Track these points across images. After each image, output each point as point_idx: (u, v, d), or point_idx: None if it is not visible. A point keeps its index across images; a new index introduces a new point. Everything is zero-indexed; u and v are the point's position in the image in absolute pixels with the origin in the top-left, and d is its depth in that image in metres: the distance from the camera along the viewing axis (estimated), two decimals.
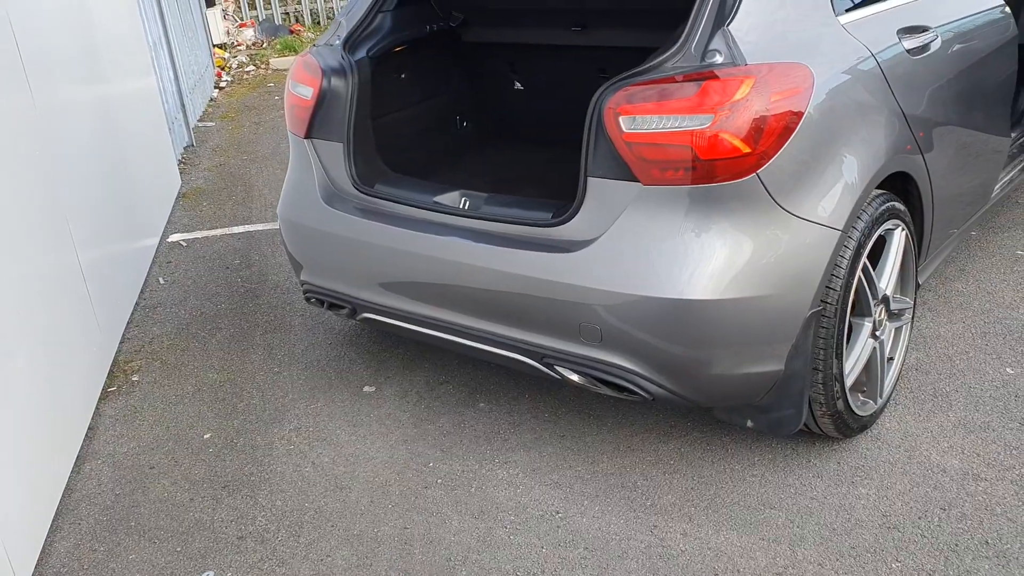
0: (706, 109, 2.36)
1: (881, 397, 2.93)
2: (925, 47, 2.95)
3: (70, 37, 4.05)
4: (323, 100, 3.12)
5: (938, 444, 2.84)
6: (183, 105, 6.92)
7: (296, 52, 10.15)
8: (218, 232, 5.24)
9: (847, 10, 2.77)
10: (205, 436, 3.26)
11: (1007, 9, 3.53)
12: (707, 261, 2.41)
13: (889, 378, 3.00)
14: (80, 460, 3.18)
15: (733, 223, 2.41)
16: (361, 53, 3.21)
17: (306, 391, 3.48)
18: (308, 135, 3.19)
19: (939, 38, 3.02)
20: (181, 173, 6.29)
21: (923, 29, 2.97)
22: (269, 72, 9.78)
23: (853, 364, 2.76)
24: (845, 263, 2.57)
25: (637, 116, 2.42)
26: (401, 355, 3.66)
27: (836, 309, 2.58)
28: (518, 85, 3.83)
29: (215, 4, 9.94)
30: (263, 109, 8.17)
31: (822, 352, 2.59)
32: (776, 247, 2.45)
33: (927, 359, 3.30)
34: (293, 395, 3.46)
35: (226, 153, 6.86)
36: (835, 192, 2.54)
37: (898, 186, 2.90)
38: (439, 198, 2.93)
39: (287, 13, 11.09)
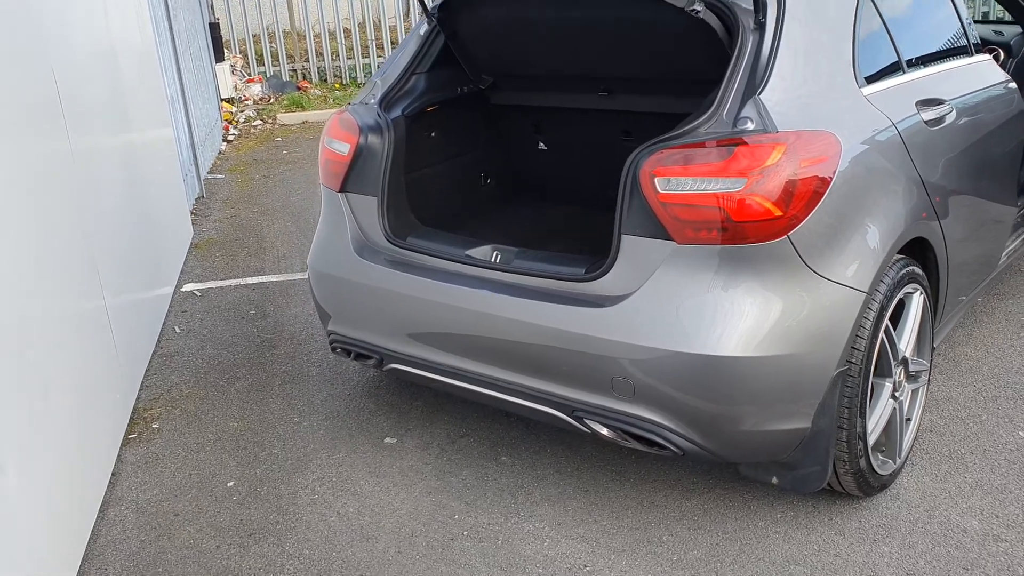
0: (738, 173, 2.46)
1: (900, 457, 2.99)
2: (941, 119, 3.08)
3: (102, 87, 4.16)
4: (359, 156, 3.21)
5: (957, 504, 2.89)
6: (195, 157, 7.03)
7: (303, 108, 10.33)
8: (231, 283, 5.30)
9: (868, 82, 2.89)
10: (228, 484, 3.28)
11: (1012, 84, 3.68)
12: (739, 319, 2.48)
13: (907, 438, 3.06)
14: (105, 506, 3.19)
15: (764, 283, 2.49)
16: (396, 112, 3.32)
17: (327, 441, 3.51)
18: (343, 189, 3.28)
19: (954, 111, 3.15)
20: (192, 224, 6.37)
21: (939, 102, 3.11)
22: (276, 127, 9.93)
23: (875, 423, 2.83)
24: (869, 324, 2.65)
25: (672, 178, 2.51)
26: (421, 407, 3.70)
27: (860, 369, 2.65)
28: (542, 145, 3.95)
29: (224, 59, 10.13)
30: (271, 163, 8.28)
31: (847, 411, 2.65)
32: (804, 307, 2.53)
33: (941, 421, 3.36)
34: (315, 445, 3.49)
35: (236, 205, 6.95)
36: (861, 255, 2.63)
37: (916, 251, 2.99)
38: (471, 251, 3.01)
39: (295, 70, 11.29)
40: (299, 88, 10.97)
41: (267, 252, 5.80)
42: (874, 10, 3.04)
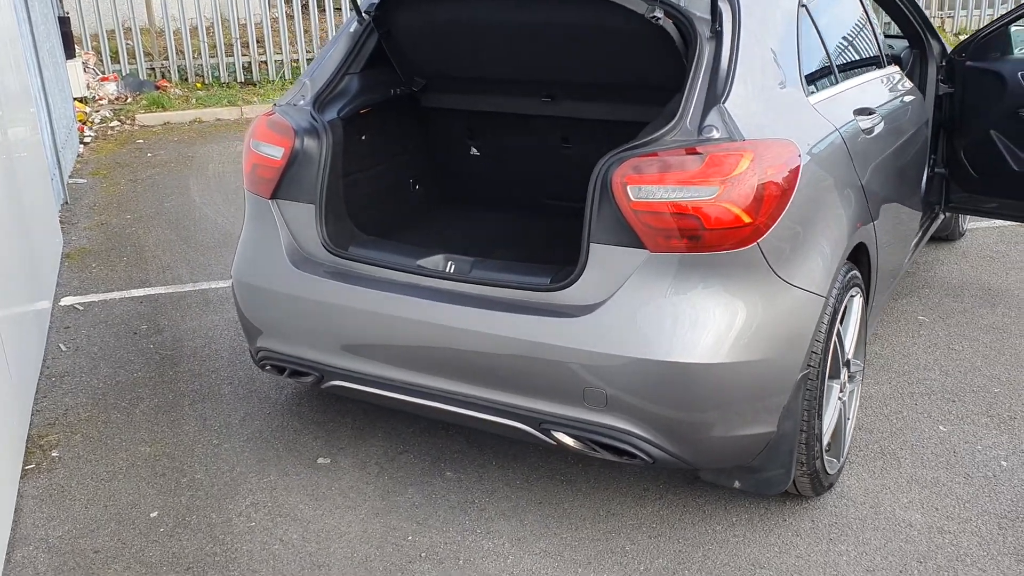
0: (712, 181, 2.46)
1: (843, 456, 3.08)
2: (872, 128, 3.20)
3: None
4: (294, 161, 3.03)
5: (899, 500, 3.00)
6: (58, 160, 6.52)
7: (164, 108, 9.79)
8: (116, 296, 4.93)
9: (811, 92, 2.96)
10: (152, 515, 3.03)
11: (917, 93, 3.88)
12: (711, 325, 2.48)
13: (848, 437, 3.16)
14: (10, 547, 2.87)
15: (733, 290, 2.51)
16: (331, 114, 3.16)
17: (255, 464, 3.30)
18: (274, 196, 3.09)
19: (881, 119, 3.28)
20: (61, 232, 5.90)
21: (870, 111, 3.22)
22: (136, 128, 9.37)
23: (827, 424, 2.89)
24: (824, 328, 2.71)
25: (645, 185, 2.49)
26: (351, 424, 3.54)
27: (818, 371, 2.70)
28: (474, 151, 3.86)
29: (75, 55, 9.46)
30: (137, 166, 7.80)
31: (806, 413, 2.70)
32: (771, 313, 2.55)
33: (867, 419, 3.49)
34: (241, 468, 3.27)
35: (106, 212, 6.49)
36: (820, 260, 2.69)
37: (853, 255, 3.09)
38: (423, 261, 2.90)
39: (153, 68, 10.69)
40: (157, 87, 10.39)
41: (149, 262, 5.44)
42: (809, 22, 3.12)
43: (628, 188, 2.49)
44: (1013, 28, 4.29)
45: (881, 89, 3.55)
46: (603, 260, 2.57)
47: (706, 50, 2.69)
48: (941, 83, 4.19)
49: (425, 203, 3.91)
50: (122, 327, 4.50)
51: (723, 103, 2.58)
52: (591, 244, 2.58)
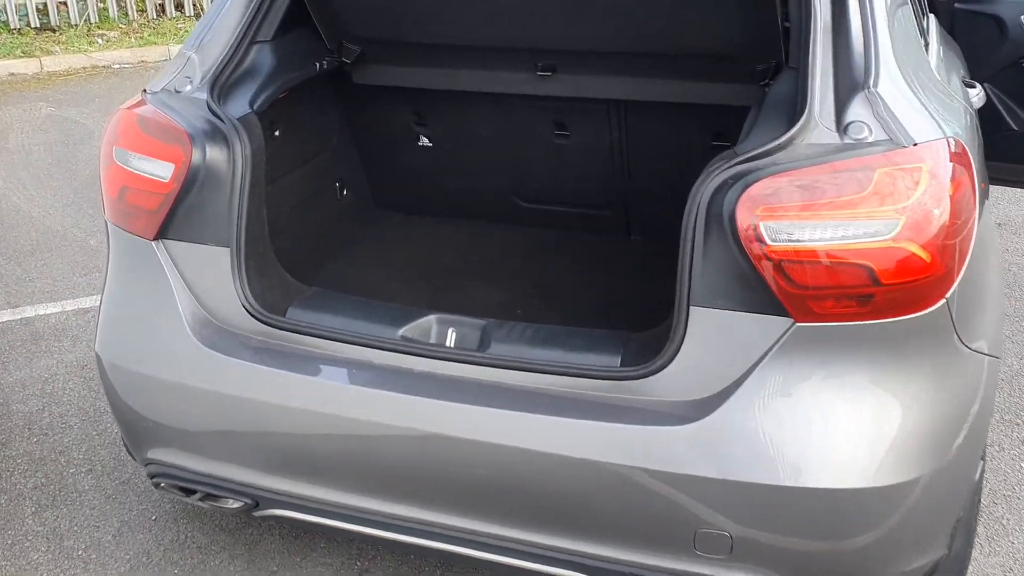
0: (886, 211, 1.61)
1: None
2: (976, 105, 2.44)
3: None
4: (192, 183, 1.97)
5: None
6: None
7: None
8: None
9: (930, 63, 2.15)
10: None
11: None
12: (891, 430, 1.68)
13: None
14: None
15: (912, 373, 1.71)
16: (241, 106, 2.10)
17: None
18: (162, 235, 2.01)
19: (980, 91, 2.53)
20: None
21: (972, 84, 2.46)
22: None
23: None
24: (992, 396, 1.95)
25: (786, 222, 1.61)
26: (279, 541, 2.53)
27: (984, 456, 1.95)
28: (424, 141, 2.84)
29: None
30: None
31: (972, 516, 1.95)
32: (954, 395, 1.78)
33: None
34: None
35: None
36: (995, 304, 1.92)
37: None
38: (407, 330, 1.93)
39: None
40: None
41: None
42: None
43: (762, 227, 1.61)
44: None
45: (946, 47, 2.80)
46: (714, 333, 1.70)
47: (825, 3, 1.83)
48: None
49: (357, 215, 2.90)
50: None
51: (873, 87, 1.73)
52: (691, 307, 1.69)
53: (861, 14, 1.81)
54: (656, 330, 1.85)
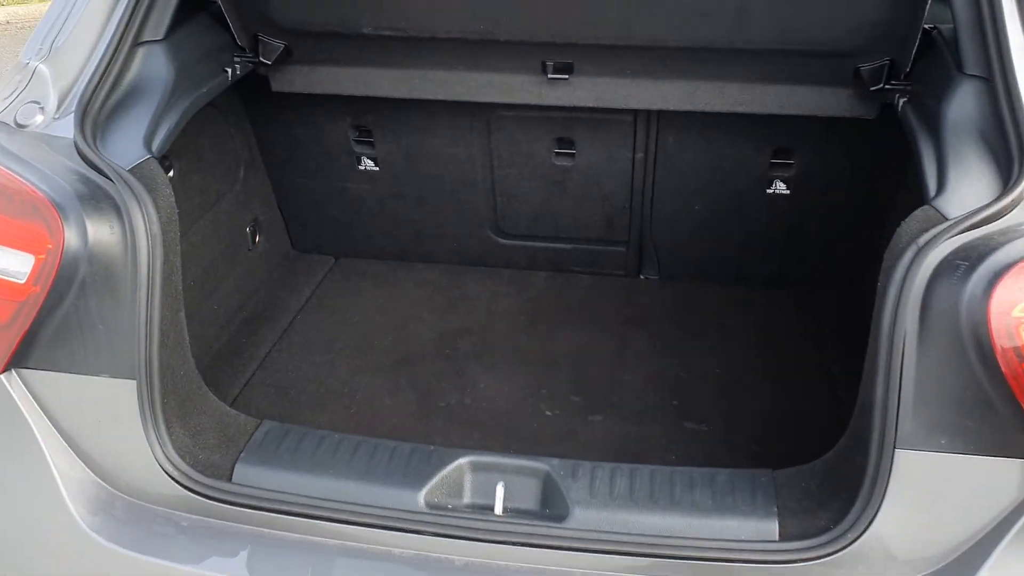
0: None
1: None
2: None
3: None
4: (67, 283, 1.22)
5: None
6: None
7: None
8: None
9: None
10: None
11: None
12: None
13: None
14: None
15: None
16: (132, 148, 1.36)
17: None
18: (17, 363, 1.26)
19: None
20: None
21: None
22: None
23: None
24: None
25: None
26: None
27: None
28: (368, 165, 2.10)
29: None
30: None
31: None
32: None
33: None
34: None
35: None
36: None
37: None
38: (431, 490, 1.27)
39: None
40: None
41: None
42: None
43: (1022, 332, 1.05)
44: None
45: None
46: (932, 488, 1.13)
47: None
48: None
49: (279, 269, 2.16)
50: None
51: None
52: (896, 451, 1.12)
53: None
54: (814, 468, 1.27)
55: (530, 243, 2.18)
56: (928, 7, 1.44)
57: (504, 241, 2.19)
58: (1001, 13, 1.27)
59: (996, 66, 1.25)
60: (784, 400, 1.78)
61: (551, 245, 2.18)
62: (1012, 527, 1.12)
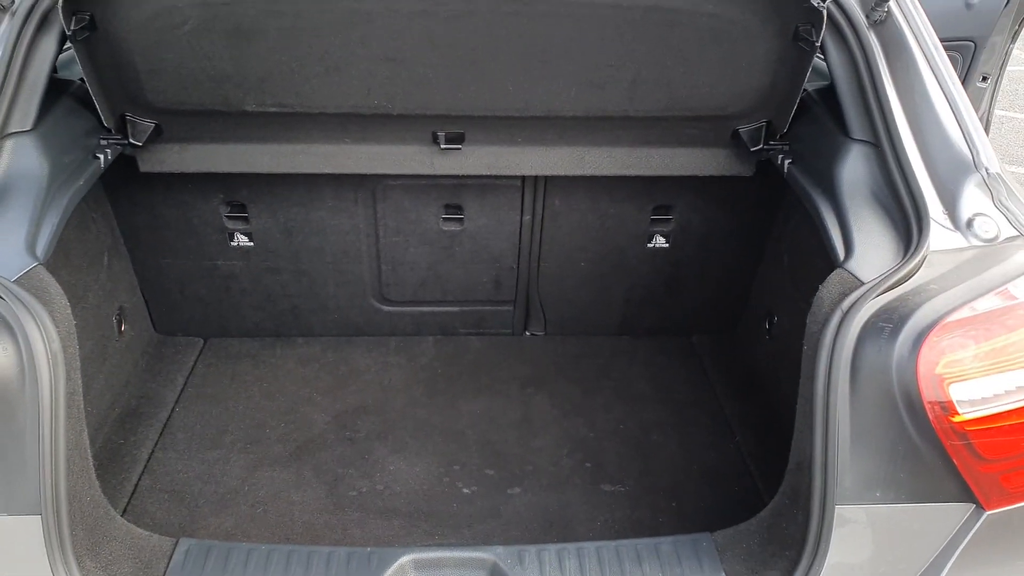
0: None
1: None
2: None
3: None
4: None
5: None
6: None
7: None
8: None
9: None
10: None
11: None
12: None
13: None
14: None
15: None
16: (14, 257, 1.24)
17: None
18: None
19: None
20: None
21: None
22: None
23: None
24: None
25: (979, 378, 1.14)
26: None
27: None
28: (242, 240, 1.99)
29: None
30: None
31: None
32: None
33: None
34: None
35: None
36: None
37: None
38: None
39: None
40: None
41: None
42: None
43: (951, 391, 1.12)
44: None
45: None
46: (869, 537, 1.18)
47: (872, 50, 1.41)
48: None
49: (147, 355, 2.02)
50: None
51: (978, 158, 1.32)
52: (836, 507, 1.17)
53: (935, 71, 1.38)
54: (750, 527, 1.30)
55: (416, 308, 2.15)
56: (808, 74, 1.53)
57: (388, 308, 2.15)
58: (881, 80, 1.37)
59: (883, 133, 1.34)
60: (690, 448, 1.83)
61: (438, 309, 2.15)
62: (945, 566, 1.20)
